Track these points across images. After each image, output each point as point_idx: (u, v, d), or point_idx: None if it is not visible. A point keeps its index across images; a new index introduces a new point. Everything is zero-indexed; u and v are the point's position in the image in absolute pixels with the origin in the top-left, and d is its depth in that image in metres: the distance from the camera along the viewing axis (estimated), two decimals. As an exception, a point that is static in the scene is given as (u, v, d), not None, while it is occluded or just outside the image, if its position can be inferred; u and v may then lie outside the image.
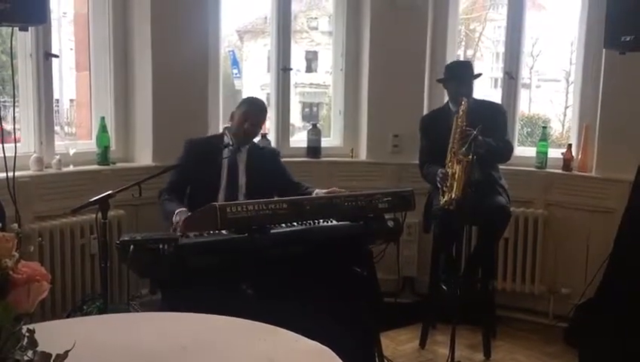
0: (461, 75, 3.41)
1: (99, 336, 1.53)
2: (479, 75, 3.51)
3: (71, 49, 3.94)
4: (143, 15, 3.53)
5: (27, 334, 1.04)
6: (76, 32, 3.83)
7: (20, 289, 1.03)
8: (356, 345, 2.54)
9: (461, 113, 3.17)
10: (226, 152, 3.03)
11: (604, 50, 3.39)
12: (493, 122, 3.36)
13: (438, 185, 3.19)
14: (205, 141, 3.14)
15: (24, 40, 3.14)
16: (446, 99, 3.77)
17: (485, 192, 3.26)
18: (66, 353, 1.05)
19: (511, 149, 3.47)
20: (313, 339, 1.51)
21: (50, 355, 1.05)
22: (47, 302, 3.03)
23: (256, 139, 3.32)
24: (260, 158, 3.12)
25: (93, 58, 3.59)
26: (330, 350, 1.44)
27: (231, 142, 3.00)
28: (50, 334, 1.28)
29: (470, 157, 3.00)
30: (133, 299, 3.25)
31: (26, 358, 1.03)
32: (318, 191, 2.85)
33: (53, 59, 3.27)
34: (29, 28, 2.90)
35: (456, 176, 3.06)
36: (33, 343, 1.04)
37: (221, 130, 3.37)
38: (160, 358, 1.43)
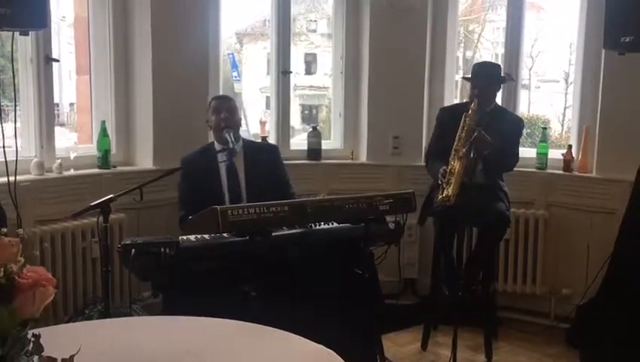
0: (478, 75, 3.35)
1: (102, 341, 1.53)
2: (504, 79, 3.44)
3: (70, 52, 3.94)
4: (143, 18, 3.53)
5: (33, 339, 1.04)
6: (76, 36, 3.84)
7: (26, 294, 1.03)
8: (358, 347, 2.54)
9: (470, 112, 3.16)
10: (220, 157, 3.02)
11: (603, 50, 3.39)
12: (509, 133, 3.34)
13: (439, 181, 3.20)
14: (198, 154, 3.12)
15: (24, 44, 3.14)
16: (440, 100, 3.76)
17: (487, 197, 3.26)
18: (72, 357, 1.05)
19: (515, 160, 3.41)
20: (315, 341, 1.51)
21: (56, 360, 1.05)
22: (49, 306, 3.00)
23: (246, 135, 3.28)
24: (258, 156, 3.11)
25: (94, 61, 3.59)
26: (335, 354, 1.44)
27: (231, 144, 2.96)
28: (54, 339, 1.28)
29: (472, 155, 3.01)
30: (135, 302, 3.26)
31: (31, 363, 1.03)
32: None
33: (54, 62, 3.27)
34: (30, 32, 2.90)
35: (455, 171, 3.06)
36: (39, 348, 1.04)
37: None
38: (164, 362, 1.43)
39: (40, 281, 1.04)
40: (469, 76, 3.44)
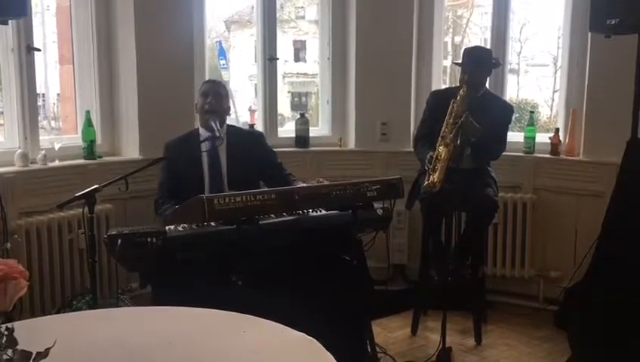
0: (469, 58, 3.31)
1: (84, 333, 1.52)
2: (494, 64, 3.39)
3: (54, 42, 3.89)
4: (126, 6, 3.48)
5: (6, 333, 1.02)
6: (59, 25, 3.78)
7: (-3, 287, 1.01)
8: (348, 334, 2.55)
9: (458, 98, 3.14)
10: (204, 146, 2.99)
11: (589, 33, 3.38)
12: (497, 119, 3.32)
13: (426, 167, 3.19)
14: (182, 139, 3.09)
15: (5, 34, 3.09)
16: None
17: (475, 182, 3.25)
18: (47, 351, 1.03)
19: (502, 148, 3.41)
20: (304, 329, 1.50)
21: (31, 354, 1.03)
22: (36, 299, 3.01)
23: (235, 123, 3.25)
24: (243, 144, 3.08)
25: (77, 51, 3.55)
26: (315, 341, 1.43)
27: (217, 132, 2.94)
28: (35, 331, 1.27)
29: (458, 142, 3.00)
30: (124, 293, 3.24)
31: (5, 357, 1.01)
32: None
33: (38, 52, 3.22)
34: (10, 21, 2.85)
35: (441, 158, 3.05)
36: (12, 342, 1.02)
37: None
38: (145, 353, 1.42)
39: (11, 274, 1.02)
40: (460, 61, 3.42)
